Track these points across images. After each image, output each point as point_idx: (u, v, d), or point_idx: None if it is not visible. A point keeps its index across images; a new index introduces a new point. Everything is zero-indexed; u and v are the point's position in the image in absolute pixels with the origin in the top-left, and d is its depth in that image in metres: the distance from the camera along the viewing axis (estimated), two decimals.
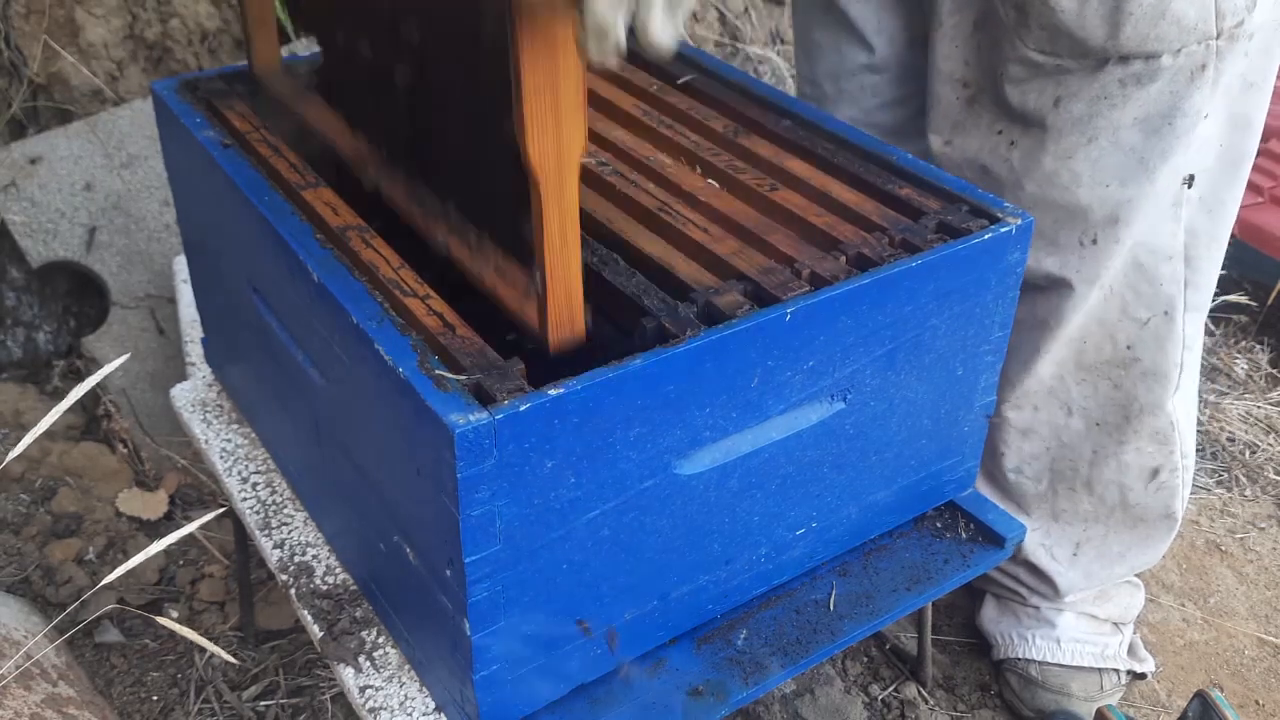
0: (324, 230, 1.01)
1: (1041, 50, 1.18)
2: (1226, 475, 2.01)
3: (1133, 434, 1.37)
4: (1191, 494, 1.96)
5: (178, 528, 1.05)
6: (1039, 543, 1.46)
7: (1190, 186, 1.24)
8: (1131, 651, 1.53)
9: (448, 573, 0.87)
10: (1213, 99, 1.19)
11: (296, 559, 1.16)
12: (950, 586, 1.20)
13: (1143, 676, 1.55)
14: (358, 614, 1.10)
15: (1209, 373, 2.25)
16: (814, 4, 1.43)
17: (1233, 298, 2.36)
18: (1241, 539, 1.88)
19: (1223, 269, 2.48)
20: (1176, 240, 1.27)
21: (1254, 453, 2.06)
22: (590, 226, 1.05)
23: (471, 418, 0.79)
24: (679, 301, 0.93)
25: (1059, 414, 1.38)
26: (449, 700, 0.98)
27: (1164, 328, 1.30)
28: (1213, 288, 1.35)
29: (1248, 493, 1.97)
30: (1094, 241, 1.25)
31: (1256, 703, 1.60)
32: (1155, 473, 1.39)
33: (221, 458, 1.30)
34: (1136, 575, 1.54)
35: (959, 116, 1.30)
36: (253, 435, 1.33)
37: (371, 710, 1.01)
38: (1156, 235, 1.26)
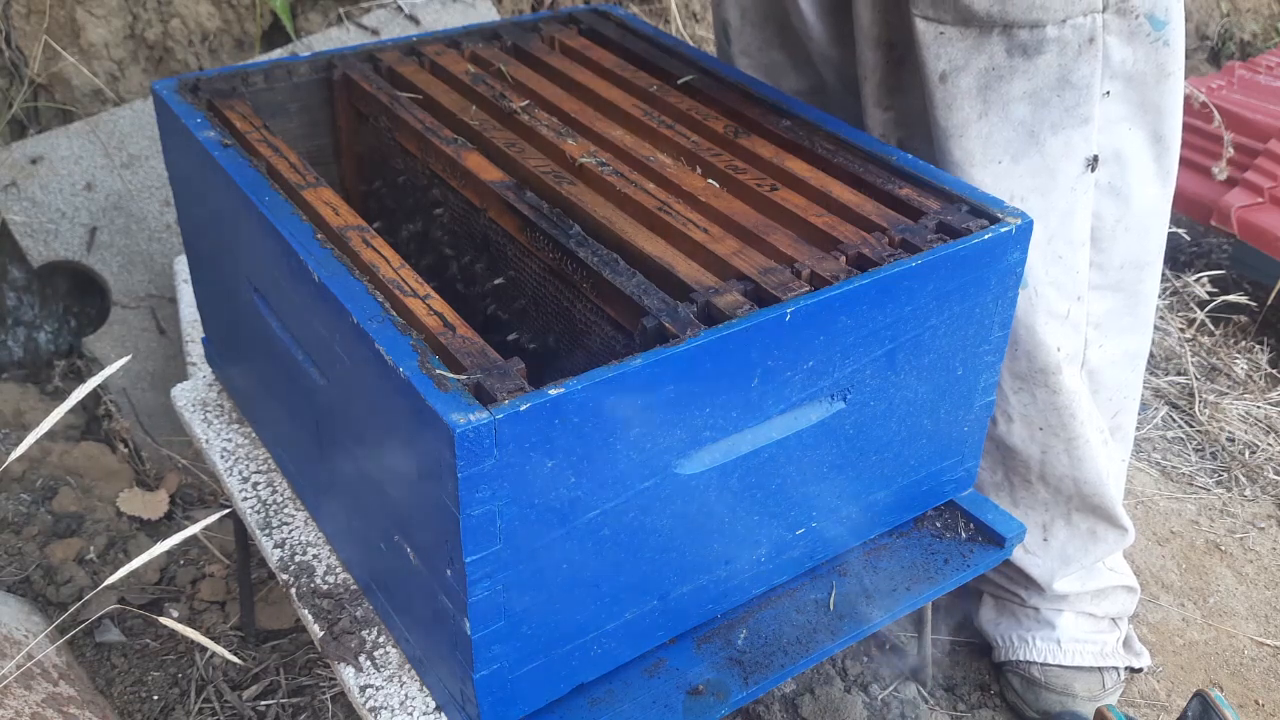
0: (324, 230, 1.02)
1: (925, 16, 1.16)
2: (1226, 475, 2.01)
3: (1079, 431, 1.34)
4: (1191, 494, 1.96)
5: (178, 527, 1.05)
6: None
7: (1094, 169, 1.22)
8: (1127, 645, 1.53)
9: (448, 572, 0.87)
10: (1106, 75, 1.18)
11: (297, 558, 1.16)
12: (950, 586, 1.20)
13: (1139, 670, 1.55)
14: (358, 613, 1.10)
15: (1209, 373, 2.25)
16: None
17: (1233, 298, 2.36)
18: (1241, 539, 1.87)
19: (1223, 269, 2.50)
20: (1085, 225, 1.25)
21: (1254, 453, 2.06)
22: (590, 226, 1.05)
23: (472, 417, 0.79)
24: (679, 301, 0.93)
25: (1000, 421, 1.35)
26: (449, 699, 0.98)
27: (1077, 311, 1.29)
28: (1125, 272, 1.31)
29: (1247, 493, 1.97)
30: None
31: (1256, 703, 1.60)
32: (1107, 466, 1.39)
33: (222, 457, 1.30)
34: (1132, 572, 1.54)
35: (893, 80, 1.28)
36: (253, 435, 1.33)
37: (372, 710, 1.01)
38: (1067, 223, 1.24)
